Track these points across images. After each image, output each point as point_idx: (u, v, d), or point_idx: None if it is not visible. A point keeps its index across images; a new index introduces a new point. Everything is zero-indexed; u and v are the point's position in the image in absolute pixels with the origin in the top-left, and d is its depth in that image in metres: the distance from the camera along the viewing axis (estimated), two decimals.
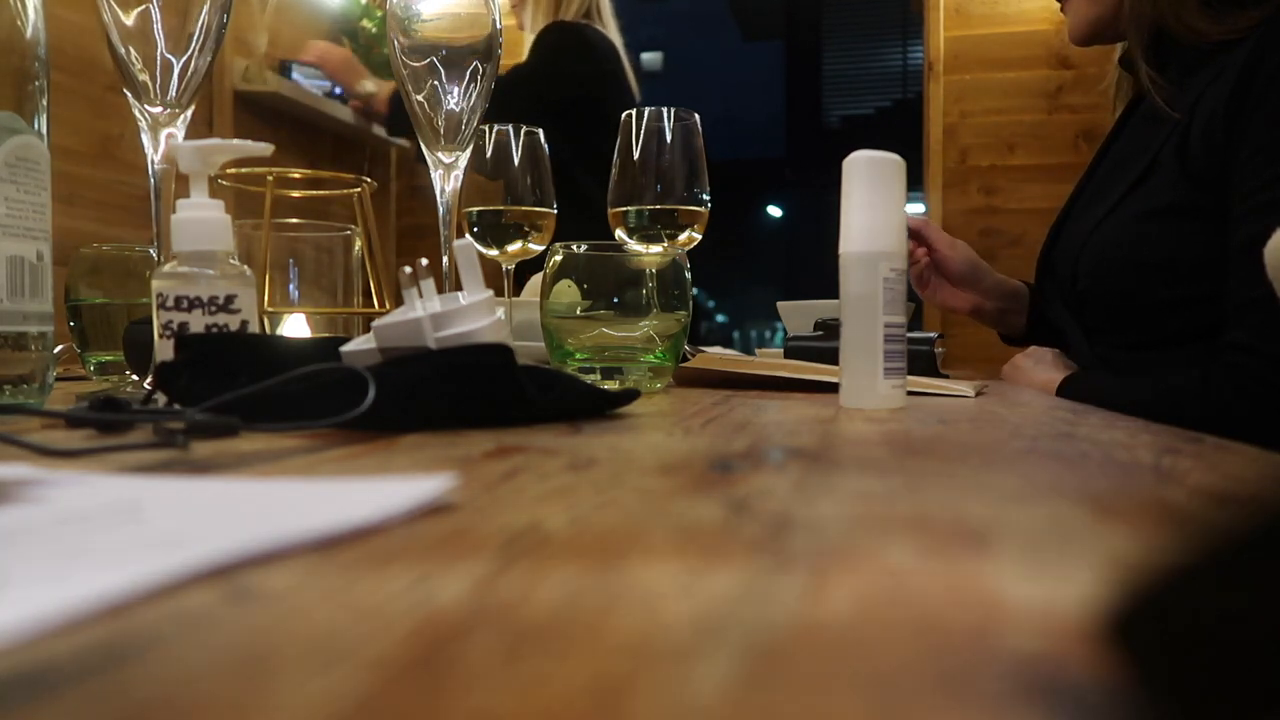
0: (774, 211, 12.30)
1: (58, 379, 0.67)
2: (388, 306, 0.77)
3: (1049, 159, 2.39)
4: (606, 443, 0.37)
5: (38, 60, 0.48)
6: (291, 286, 0.76)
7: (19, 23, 0.47)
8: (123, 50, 0.55)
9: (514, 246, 0.91)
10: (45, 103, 0.49)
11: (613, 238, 0.86)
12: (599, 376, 0.66)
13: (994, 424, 0.47)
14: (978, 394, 0.69)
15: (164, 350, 0.46)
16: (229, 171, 0.73)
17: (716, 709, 0.11)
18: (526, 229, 0.91)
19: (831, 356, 0.71)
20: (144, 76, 0.55)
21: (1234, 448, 0.37)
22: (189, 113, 0.57)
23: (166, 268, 0.48)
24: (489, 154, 0.91)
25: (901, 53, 9.65)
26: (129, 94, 0.56)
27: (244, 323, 0.47)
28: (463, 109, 0.66)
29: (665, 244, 0.84)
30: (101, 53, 0.56)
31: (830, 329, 0.91)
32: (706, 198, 0.86)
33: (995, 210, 2.43)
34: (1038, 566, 0.18)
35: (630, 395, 0.50)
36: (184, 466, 0.30)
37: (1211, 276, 0.82)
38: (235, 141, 0.48)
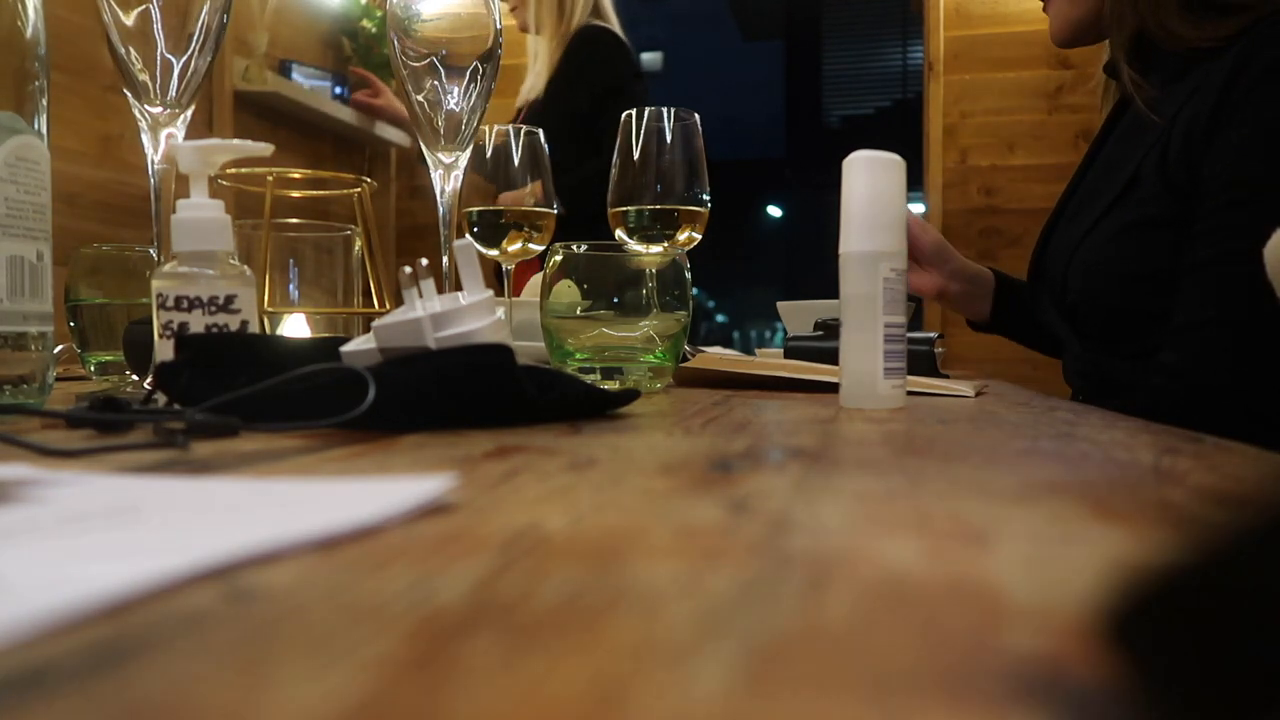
0: (774, 211, 12.31)
1: (58, 379, 0.67)
2: (388, 306, 0.77)
3: (1049, 159, 2.39)
4: (606, 443, 0.37)
5: (38, 60, 0.48)
6: (291, 286, 0.76)
7: (19, 23, 0.47)
8: (123, 50, 0.55)
9: (514, 246, 0.91)
10: (45, 103, 0.49)
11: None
12: (599, 376, 0.66)
13: (994, 424, 0.47)
14: (978, 394, 0.69)
15: (164, 350, 0.46)
16: (229, 171, 0.73)
17: (716, 709, 0.11)
18: (526, 229, 0.91)
19: (831, 356, 0.71)
20: (144, 76, 0.55)
21: (1234, 448, 0.37)
22: (189, 113, 0.57)
23: (166, 268, 0.48)
24: (488, 154, 0.91)
25: (901, 53, 9.65)
26: (129, 94, 0.56)
27: (244, 323, 0.47)
28: (463, 109, 0.66)
29: (665, 244, 0.84)
30: (101, 53, 0.56)
31: (830, 329, 0.91)
32: (706, 198, 0.86)
33: (995, 210, 2.44)
34: (1038, 566, 0.18)
35: (630, 395, 0.50)
36: (184, 466, 0.30)
37: None
38: (235, 141, 0.48)
